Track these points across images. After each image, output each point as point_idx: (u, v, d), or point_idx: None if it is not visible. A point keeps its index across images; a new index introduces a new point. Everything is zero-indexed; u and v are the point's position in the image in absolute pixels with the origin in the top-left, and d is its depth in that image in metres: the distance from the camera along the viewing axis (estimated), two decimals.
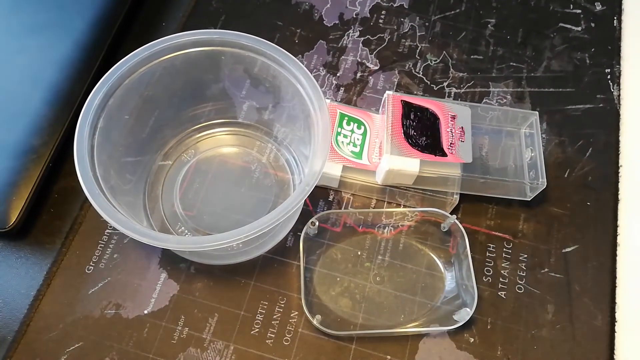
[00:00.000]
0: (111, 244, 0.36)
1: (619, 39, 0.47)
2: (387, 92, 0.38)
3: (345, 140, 0.38)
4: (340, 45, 0.45)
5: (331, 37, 0.46)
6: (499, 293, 0.36)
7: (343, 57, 0.45)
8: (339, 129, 0.39)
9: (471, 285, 0.35)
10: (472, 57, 0.45)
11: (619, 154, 0.42)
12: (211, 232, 0.36)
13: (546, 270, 0.37)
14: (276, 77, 0.35)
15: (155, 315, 0.35)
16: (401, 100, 0.38)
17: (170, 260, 0.36)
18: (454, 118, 0.38)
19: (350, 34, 0.46)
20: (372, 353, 0.34)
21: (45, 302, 0.35)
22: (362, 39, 0.46)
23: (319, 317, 0.34)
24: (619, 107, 0.44)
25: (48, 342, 0.34)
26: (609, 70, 0.45)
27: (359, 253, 0.37)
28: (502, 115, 0.40)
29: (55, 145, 0.37)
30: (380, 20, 0.47)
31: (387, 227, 0.38)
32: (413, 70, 0.44)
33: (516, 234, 0.38)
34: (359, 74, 0.44)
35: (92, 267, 0.36)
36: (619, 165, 0.41)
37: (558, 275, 0.37)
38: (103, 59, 0.41)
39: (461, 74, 0.44)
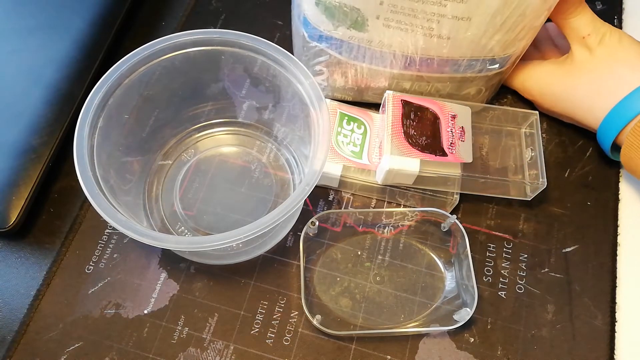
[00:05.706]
0: (111, 244, 0.36)
1: None
2: (388, 91, 0.38)
3: (345, 140, 0.38)
4: None
5: None
6: (499, 293, 0.36)
7: None
8: (339, 129, 0.39)
9: (471, 285, 0.35)
10: None
11: None
12: (211, 232, 0.36)
13: (546, 270, 0.37)
14: (276, 76, 0.35)
15: (155, 315, 0.35)
16: (401, 100, 0.38)
17: (170, 260, 0.36)
18: (454, 118, 0.38)
19: None
20: (372, 353, 0.34)
21: (45, 302, 0.35)
22: None
23: (319, 317, 0.34)
24: None
25: (48, 342, 0.34)
26: None
27: (359, 253, 0.37)
28: (503, 114, 0.40)
29: (54, 145, 0.37)
30: None
31: (387, 227, 0.38)
32: None
33: (516, 233, 0.38)
34: None
35: (92, 267, 0.36)
36: (619, 165, 0.41)
37: (558, 275, 0.37)
38: (103, 58, 0.41)
39: None
